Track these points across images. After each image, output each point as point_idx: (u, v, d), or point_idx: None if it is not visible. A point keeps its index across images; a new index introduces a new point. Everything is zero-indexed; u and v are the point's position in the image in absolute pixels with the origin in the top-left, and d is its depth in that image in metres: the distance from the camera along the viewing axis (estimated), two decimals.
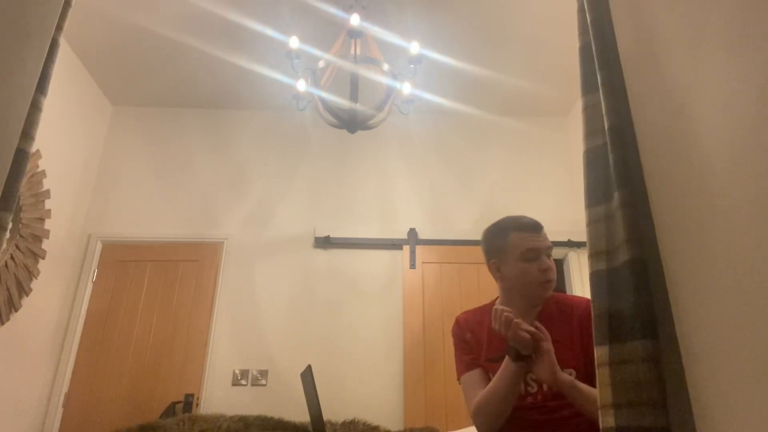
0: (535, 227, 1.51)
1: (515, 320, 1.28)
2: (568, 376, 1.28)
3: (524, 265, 1.47)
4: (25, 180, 2.80)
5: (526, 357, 1.29)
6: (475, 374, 1.51)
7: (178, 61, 3.67)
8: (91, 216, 3.81)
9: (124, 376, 3.38)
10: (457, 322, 1.63)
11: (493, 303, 1.60)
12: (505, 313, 1.29)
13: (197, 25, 3.34)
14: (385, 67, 2.68)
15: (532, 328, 1.29)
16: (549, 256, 1.49)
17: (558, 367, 1.27)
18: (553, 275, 1.46)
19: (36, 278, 3.19)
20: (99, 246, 3.73)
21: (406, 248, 3.75)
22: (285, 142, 4.11)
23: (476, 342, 1.54)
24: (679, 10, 0.86)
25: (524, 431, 1.37)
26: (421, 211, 3.91)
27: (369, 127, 2.78)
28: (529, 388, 1.41)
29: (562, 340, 1.37)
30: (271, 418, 2.52)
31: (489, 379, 1.44)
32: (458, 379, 1.57)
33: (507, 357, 1.33)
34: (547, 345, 1.28)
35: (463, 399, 1.55)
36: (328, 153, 4.09)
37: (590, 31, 1.04)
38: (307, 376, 1.81)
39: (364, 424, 2.75)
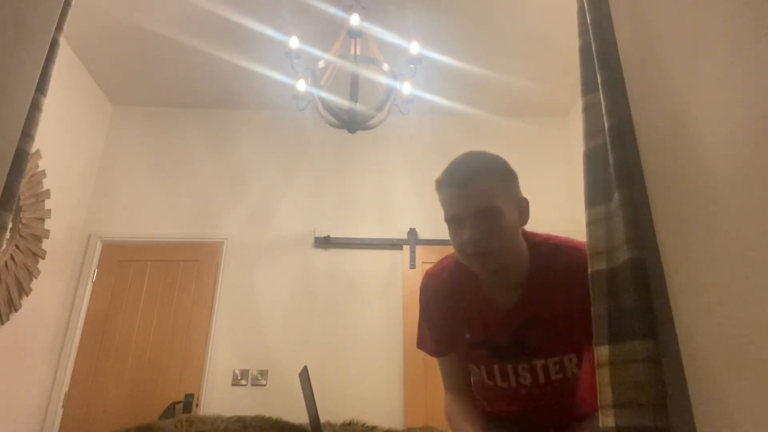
0: (462, 182, 1.12)
1: None
2: None
3: (452, 230, 1.16)
4: (25, 180, 2.80)
5: None
6: (448, 362, 1.32)
7: (178, 61, 3.67)
8: (91, 216, 3.81)
9: (124, 376, 3.37)
10: (426, 289, 1.32)
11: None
12: None
13: (197, 25, 3.34)
14: (385, 67, 2.68)
15: None
16: (488, 217, 1.09)
17: None
18: (481, 247, 1.09)
19: (36, 278, 3.19)
20: (99, 246, 3.73)
21: (406, 248, 3.75)
22: (285, 142, 4.11)
23: (451, 319, 1.26)
24: (679, 10, 0.86)
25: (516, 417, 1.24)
26: (421, 211, 3.91)
27: (369, 127, 2.78)
28: (522, 380, 1.23)
29: (551, 317, 1.15)
30: (270, 418, 2.52)
31: (465, 368, 1.30)
32: (417, 347, 1.36)
33: None
34: None
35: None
36: (328, 153, 4.09)
37: (590, 31, 1.04)
38: (304, 376, 1.80)
39: (363, 425, 2.75)
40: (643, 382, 0.79)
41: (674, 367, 0.81)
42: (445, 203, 1.17)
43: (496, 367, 1.23)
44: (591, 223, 0.95)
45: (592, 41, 1.03)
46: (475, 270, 1.17)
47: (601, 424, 0.84)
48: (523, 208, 1.19)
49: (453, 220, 1.15)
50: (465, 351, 1.27)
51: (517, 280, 1.17)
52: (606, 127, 0.95)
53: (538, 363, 1.18)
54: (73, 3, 1.35)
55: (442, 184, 1.18)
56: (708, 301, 0.75)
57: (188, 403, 3.26)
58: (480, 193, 1.11)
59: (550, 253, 1.18)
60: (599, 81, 0.99)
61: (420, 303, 1.33)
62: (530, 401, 1.23)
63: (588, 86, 1.03)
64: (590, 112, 1.02)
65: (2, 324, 2.90)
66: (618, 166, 0.91)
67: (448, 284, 1.27)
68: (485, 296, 1.21)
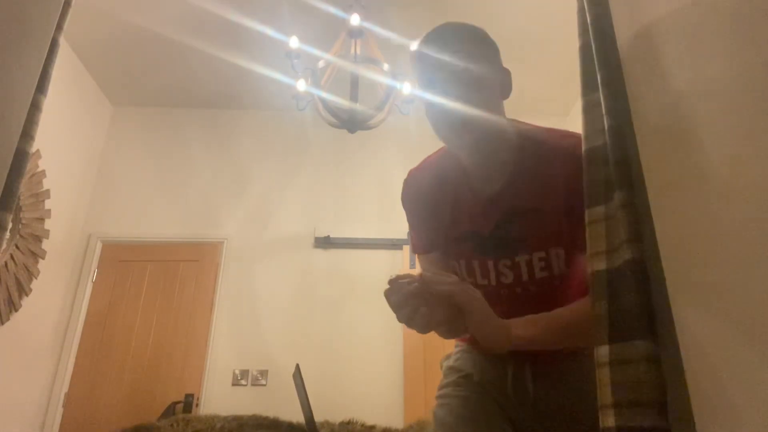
0: (437, 46, 1.03)
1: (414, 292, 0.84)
2: (520, 330, 0.94)
3: (428, 103, 1.05)
4: (25, 180, 2.80)
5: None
6: (432, 259, 1.22)
7: (178, 61, 3.67)
8: (91, 216, 3.81)
9: (124, 376, 3.38)
10: (407, 186, 1.26)
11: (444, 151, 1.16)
12: (399, 292, 0.84)
13: (197, 25, 3.34)
14: (385, 67, 2.68)
15: (446, 287, 0.86)
16: (464, 80, 1.00)
17: (503, 324, 0.92)
18: (458, 113, 1.00)
19: (36, 278, 3.19)
20: (99, 246, 3.73)
21: (406, 248, 3.75)
22: (285, 142, 4.12)
23: (436, 211, 1.19)
24: (679, 10, 0.86)
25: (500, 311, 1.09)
26: None
27: (369, 127, 2.78)
28: (503, 278, 1.12)
29: (540, 207, 1.06)
30: (266, 418, 2.53)
31: (448, 266, 1.19)
32: (413, 252, 1.30)
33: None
34: (472, 306, 0.88)
35: None
36: (328, 153, 4.09)
37: (590, 31, 1.04)
38: (297, 376, 1.80)
39: (362, 425, 2.75)
40: (643, 382, 0.79)
41: (674, 367, 0.81)
42: (420, 73, 1.07)
43: (476, 263, 1.14)
44: (591, 223, 0.95)
45: (592, 41, 1.03)
46: (453, 147, 1.09)
47: (601, 424, 0.84)
48: (504, 77, 1.12)
49: (428, 89, 1.04)
50: (448, 245, 1.18)
51: (503, 164, 1.09)
52: (606, 127, 0.95)
53: (522, 259, 1.08)
54: (73, 3, 1.35)
55: (416, 53, 1.07)
56: (708, 301, 0.76)
57: (188, 403, 3.27)
58: (455, 58, 1.02)
59: (541, 138, 1.12)
60: (599, 81, 0.99)
61: (404, 201, 1.27)
62: (511, 303, 1.11)
63: (588, 86, 1.03)
64: (590, 112, 1.02)
65: (2, 324, 2.91)
66: (618, 167, 0.91)
67: (433, 177, 1.20)
68: (470, 185, 1.12)
